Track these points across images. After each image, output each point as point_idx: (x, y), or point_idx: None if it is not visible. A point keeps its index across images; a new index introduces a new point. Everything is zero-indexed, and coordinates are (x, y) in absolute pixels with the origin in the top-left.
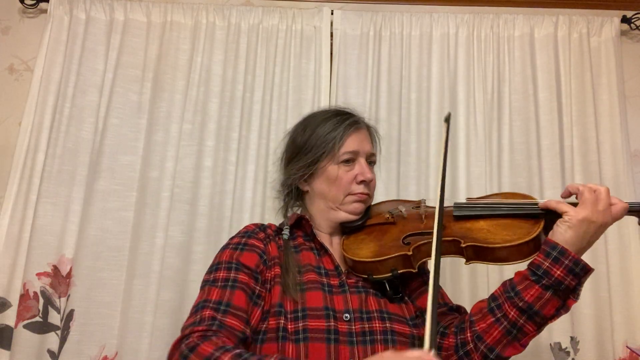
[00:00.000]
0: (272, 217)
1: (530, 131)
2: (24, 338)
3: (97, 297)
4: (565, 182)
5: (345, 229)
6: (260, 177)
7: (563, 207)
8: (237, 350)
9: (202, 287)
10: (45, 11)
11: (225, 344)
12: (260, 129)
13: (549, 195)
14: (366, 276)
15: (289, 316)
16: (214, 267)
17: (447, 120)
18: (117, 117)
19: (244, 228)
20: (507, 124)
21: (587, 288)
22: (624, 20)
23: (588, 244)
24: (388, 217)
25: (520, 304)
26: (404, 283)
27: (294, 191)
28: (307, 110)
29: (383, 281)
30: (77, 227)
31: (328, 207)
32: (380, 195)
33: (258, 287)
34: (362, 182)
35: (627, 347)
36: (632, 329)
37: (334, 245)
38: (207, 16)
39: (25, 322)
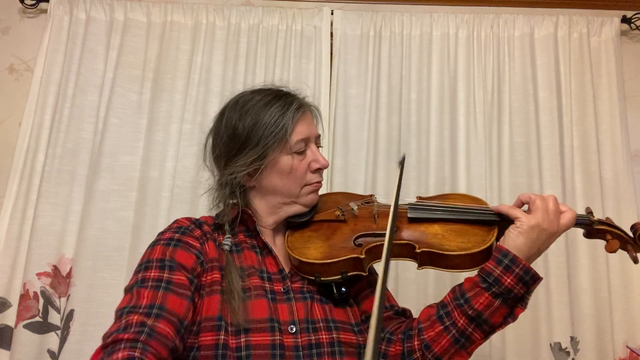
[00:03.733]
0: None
1: (530, 131)
2: (24, 338)
3: (97, 297)
4: (565, 182)
5: (290, 224)
6: None
7: (515, 212)
8: None
9: (129, 290)
10: (45, 11)
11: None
12: None
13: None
14: (313, 277)
15: (229, 329)
16: (143, 266)
17: (402, 163)
18: (117, 117)
19: (174, 223)
20: (507, 124)
21: (587, 288)
22: (624, 20)
23: (538, 251)
24: (338, 215)
25: (470, 312)
26: (351, 283)
27: (238, 189)
28: None
29: (331, 283)
30: (77, 227)
31: (282, 203)
32: (380, 196)
33: (191, 292)
34: (317, 169)
35: (627, 347)
36: (632, 329)
37: (277, 244)
38: (207, 16)
39: (25, 322)
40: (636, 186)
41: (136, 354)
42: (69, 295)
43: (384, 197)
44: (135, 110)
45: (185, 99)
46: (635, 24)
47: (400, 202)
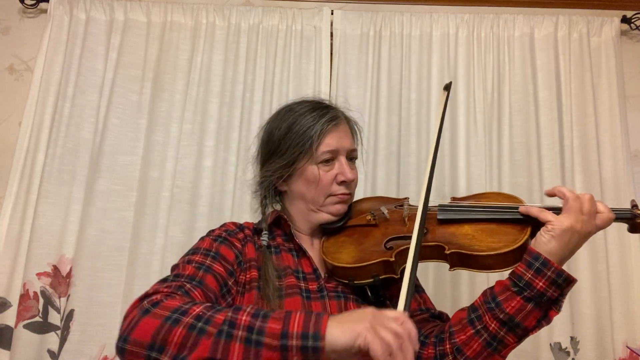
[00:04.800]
0: (253, 209)
1: (530, 131)
2: (24, 338)
3: (97, 297)
4: (565, 182)
5: (325, 230)
6: None
7: (546, 215)
8: (208, 304)
9: (175, 266)
10: (45, 11)
11: (195, 300)
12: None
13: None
14: (347, 281)
15: None
16: (192, 251)
17: (447, 88)
18: (117, 117)
19: (223, 226)
20: (507, 124)
21: (587, 288)
22: (624, 20)
23: (571, 252)
24: (370, 219)
25: (501, 316)
26: (386, 286)
27: (271, 192)
28: None
29: (364, 286)
30: (77, 227)
31: (308, 209)
32: (380, 195)
33: (230, 282)
34: (342, 182)
35: (627, 347)
36: (632, 329)
37: (314, 247)
38: (207, 16)
39: (25, 322)
40: (636, 186)
41: (174, 294)
42: (69, 295)
43: (384, 192)
44: (135, 110)
45: (185, 99)
46: (635, 24)
47: (430, 204)
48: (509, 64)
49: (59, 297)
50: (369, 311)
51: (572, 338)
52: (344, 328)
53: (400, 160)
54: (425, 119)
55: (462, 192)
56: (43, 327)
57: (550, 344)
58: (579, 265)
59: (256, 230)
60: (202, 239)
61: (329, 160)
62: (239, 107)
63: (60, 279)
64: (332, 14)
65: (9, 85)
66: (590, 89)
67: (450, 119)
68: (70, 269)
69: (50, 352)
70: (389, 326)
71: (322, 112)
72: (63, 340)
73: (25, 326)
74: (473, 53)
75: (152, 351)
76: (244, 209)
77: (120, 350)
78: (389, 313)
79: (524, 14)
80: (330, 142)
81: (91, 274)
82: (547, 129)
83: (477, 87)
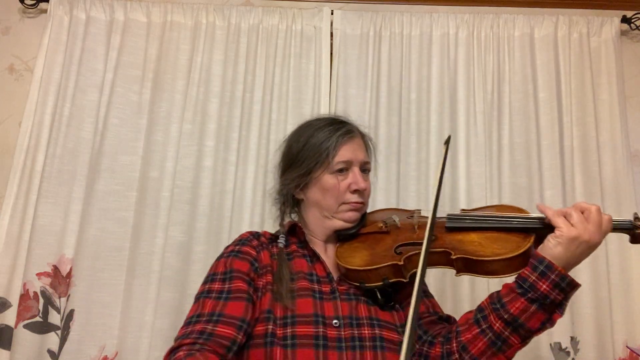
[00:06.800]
0: (273, 218)
1: (530, 131)
2: (24, 338)
3: (97, 297)
4: (565, 182)
5: (340, 237)
6: (260, 177)
7: (558, 220)
8: None
9: (197, 299)
10: (45, 11)
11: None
12: (260, 129)
13: (549, 195)
14: (358, 284)
15: (278, 322)
16: (210, 278)
17: (447, 142)
18: (117, 117)
19: (239, 236)
20: (507, 124)
21: (587, 288)
22: (624, 20)
23: (577, 261)
24: (382, 227)
25: (506, 316)
26: (396, 291)
27: (290, 200)
28: (307, 110)
29: (375, 289)
30: (77, 227)
31: (323, 216)
32: (380, 195)
33: (251, 290)
34: (355, 191)
35: (627, 347)
36: (632, 329)
37: (328, 253)
38: (207, 16)
39: (25, 322)
40: (636, 186)
41: (194, 351)
42: (69, 295)
43: (385, 192)
44: (135, 110)
45: (185, 99)
46: (635, 24)
47: (439, 214)
48: (509, 64)
49: (59, 297)
50: None
51: (572, 338)
52: None
53: (400, 160)
54: (425, 119)
55: (462, 192)
56: (43, 327)
57: (550, 344)
58: (579, 266)
59: (272, 238)
60: (218, 259)
61: (343, 170)
62: (239, 107)
63: (60, 279)
64: (332, 14)
65: (9, 85)
66: (590, 89)
67: (451, 119)
68: (70, 269)
69: (50, 352)
70: None
71: (338, 127)
72: (63, 340)
73: (25, 326)
74: (473, 53)
75: None
76: (244, 209)
77: None
78: None
79: (524, 14)
80: (345, 153)
81: (91, 274)
82: (547, 129)
83: (477, 87)
